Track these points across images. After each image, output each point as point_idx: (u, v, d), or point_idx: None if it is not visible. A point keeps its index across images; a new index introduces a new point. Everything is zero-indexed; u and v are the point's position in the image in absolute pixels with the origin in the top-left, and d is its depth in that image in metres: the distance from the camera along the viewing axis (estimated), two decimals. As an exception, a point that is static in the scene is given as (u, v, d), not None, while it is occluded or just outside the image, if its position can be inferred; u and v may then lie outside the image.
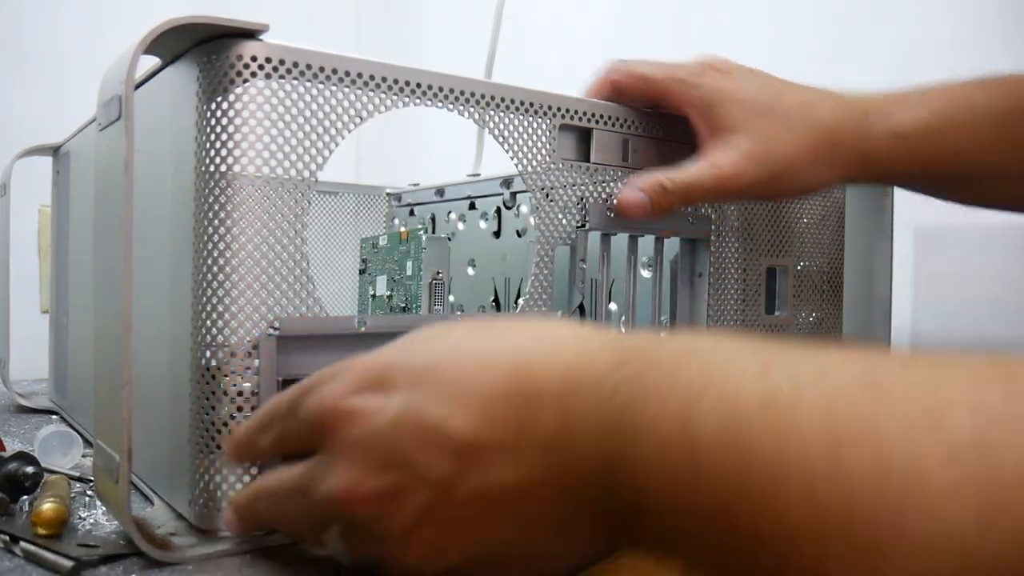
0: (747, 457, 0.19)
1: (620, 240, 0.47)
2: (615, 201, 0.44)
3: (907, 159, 0.45)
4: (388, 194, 0.77)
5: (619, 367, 0.23)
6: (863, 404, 0.18)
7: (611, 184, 0.45)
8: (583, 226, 0.44)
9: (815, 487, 0.17)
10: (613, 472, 0.22)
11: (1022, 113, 0.45)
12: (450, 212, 0.69)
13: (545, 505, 0.24)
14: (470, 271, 0.66)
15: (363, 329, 0.37)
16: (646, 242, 0.49)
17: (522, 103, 0.41)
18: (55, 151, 0.65)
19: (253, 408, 0.34)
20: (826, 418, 0.18)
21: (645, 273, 0.51)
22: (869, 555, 0.16)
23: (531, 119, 0.42)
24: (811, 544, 0.17)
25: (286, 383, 0.34)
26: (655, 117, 0.47)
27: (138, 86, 0.41)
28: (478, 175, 0.66)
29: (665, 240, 0.49)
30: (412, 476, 0.24)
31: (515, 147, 0.42)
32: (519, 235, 0.62)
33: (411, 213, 0.75)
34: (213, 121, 0.33)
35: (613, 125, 0.45)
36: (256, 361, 0.34)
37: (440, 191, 0.70)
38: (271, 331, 0.34)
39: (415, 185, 0.75)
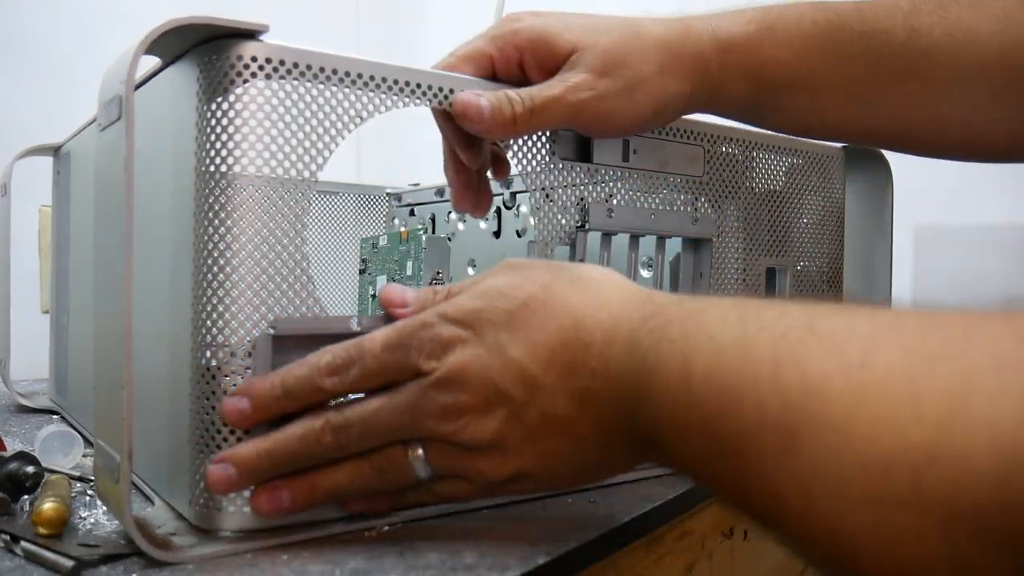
0: (722, 382, 0.26)
1: (620, 240, 0.47)
2: (451, 103, 0.39)
3: (733, 71, 0.44)
4: (388, 194, 0.77)
5: (646, 321, 0.30)
6: (799, 342, 0.25)
7: (611, 184, 0.45)
8: (583, 226, 0.44)
9: (762, 398, 0.24)
10: (637, 403, 0.30)
11: (842, 27, 0.45)
12: (450, 212, 0.69)
13: (590, 428, 0.32)
14: (470, 271, 0.66)
15: (359, 329, 0.37)
16: (647, 242, 0.49)
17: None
18: (55, 151, 0.65)
19: (253, 408, 0.34)
20: (772, 351, 0.25)
21: (645, 273, 0.51)
22: (786, 437, 0.23)
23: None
24: (756, 438, 0.24)
25: (285, 383, 0.34)
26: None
27: (138, 86, 0.41)
28: (478, 175, 0.66)
29: (667, 240, 0.49)
30: (499, 398, 0.32)
31: (515, 147, 0.42)
32: (519, 235, 0.62)
33: (411, 213, 0.75)
34: (213, 121, 0.33)
35: (613, 125, 0.45)
36: (254, 361, 0.34)
37: (440, 191, 0.70)
38: (268, 331, 0.34)
39: (415, 185, 0.75)
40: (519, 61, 0.42)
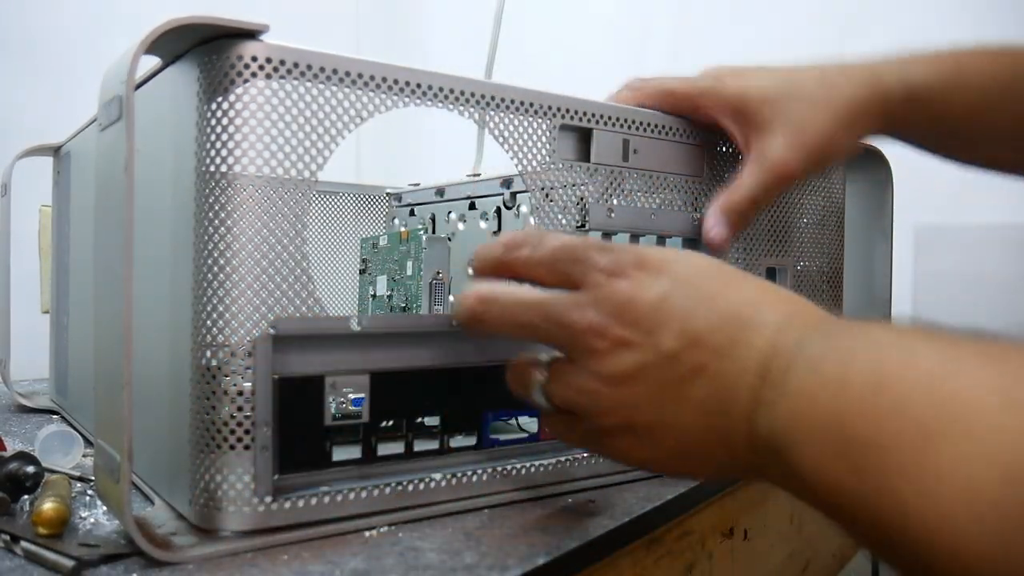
0: (877, 380, 0.25)
1: (620, 240, 0.47)
2: (705, 240, 0.47)
3: (922, 116, 0.48)
4: (388, 194, 0.77)
5: (821, 324, 0.30)
6: (955, 360, 0.25)
7: (611, 184, 0.45)
8: (583, 226, 0.44)
9: (905, 395, 0.24)
10: (778, 397, 0.28)
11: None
12: (450, 212, 0.69)
13: (716, 406, 0.31)
14: (470, 271, 0.66)
15: (359, 329, 0.37)
16: (646, 242, 0.49)
17: (522, 103, 0.41)
18: (56, 151, 0.65)
19: (253, 408, 0.34)
20: (929, 364, 0.25)
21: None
22: (920, 440, 0.23)
23: (531, 119, 0.42)
24: (891, 436, 0.24)
25: (283, 381, 0.35)
26: (656, 117, 0.47)
27: (139, 86, 0.41)
28: (478, 175, 0.66)
29: (667, 240, 0.49)
30: (648, 341, 0.32)
31: (515, 147, 0.42)
32: (519, 235, 0.62)
33: (411, 213, 0.75)
34: (213, 121, 0.33)
35: (613, 125, 0.45)
36: (255, 360, 0.34)
37: (440, 191, 0.70)
38: (269, 331, 0.34)
39: (415, 185, 0.75)
40: (708, 117, 0.47)
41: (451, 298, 0.67)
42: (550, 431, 0.37)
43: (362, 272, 0.68)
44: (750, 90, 0.46)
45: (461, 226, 0.67)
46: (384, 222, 0.77)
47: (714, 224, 0.46)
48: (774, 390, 0.29)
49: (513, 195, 0.62)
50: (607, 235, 0.46)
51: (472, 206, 0.66)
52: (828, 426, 0.26)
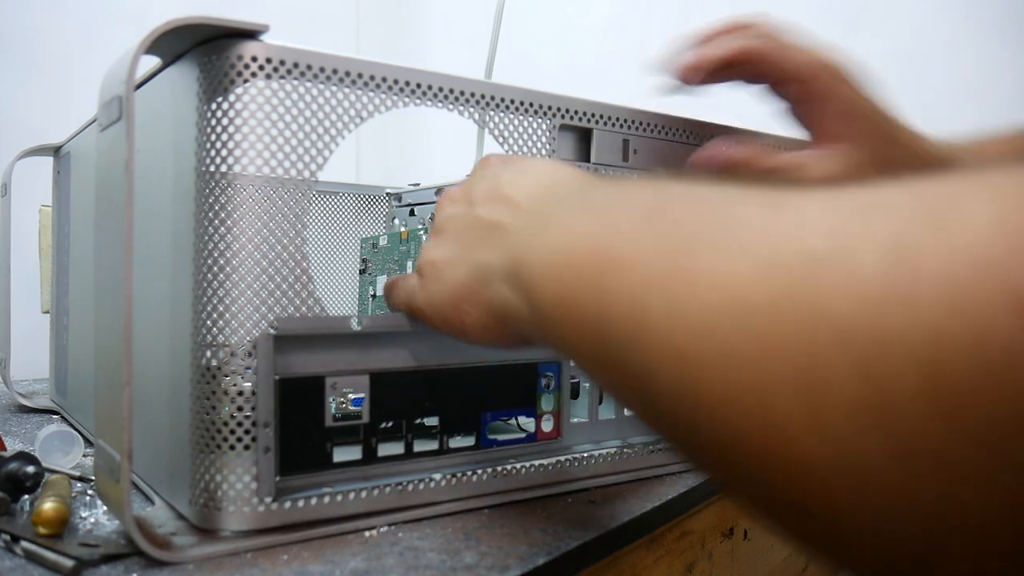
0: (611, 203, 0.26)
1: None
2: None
3: None
4: (388, 194, 0.77)
5: (577, 185, 0.32)
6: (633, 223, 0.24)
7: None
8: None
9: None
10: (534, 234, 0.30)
11: None
12: (450, 212, 0.69)
13: (496, 244, 0.32)
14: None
15: (359, 329, 0.37)
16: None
17: (522, 103, 0.41)
18: (56, 151, 0.65)
19: (253, 408, 0.34)
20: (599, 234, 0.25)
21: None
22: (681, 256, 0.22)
23: (531, 119, 0.42)
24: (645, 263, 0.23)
25: (284, 382, 0.35)
26: (656, 117, 0.47)
27: (139, 86, 0.41)
28: (478, 175, 0.66)
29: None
30: (466, 197, 0.36)
31: (515, 147, 0.42)
32: (519, 235, 0.62)
33: (411, 213, 0.75)
34: (213, 121, 0.33)
35: (613, 125, 0.45)
36: (256, 361, 0.34)
37: (440, 191, 0.70)
38: (269, 331, 0.34)
39: (415, 185, 0.75)
40: (810, 94, 0.46)
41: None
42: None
43: (362, 272, 0.68)
44: (858, 102, 0.46)
45: (461, 226, 0.67)
46: (384, 222, 0.77)
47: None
48: (532, 227, 0.30)
49: (513, 195, 0.62)
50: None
51: (472, 206, 0.66)
52: (566, 246, 0.26)
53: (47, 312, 0.66)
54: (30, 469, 0.38)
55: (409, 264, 0.60)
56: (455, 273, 0.34)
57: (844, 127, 0.45)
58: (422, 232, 0.60)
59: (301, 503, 0.35)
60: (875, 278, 0.16)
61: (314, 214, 0.75)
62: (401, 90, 0.37)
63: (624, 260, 0.23)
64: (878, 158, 0.45)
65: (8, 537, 0.34)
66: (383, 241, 0.64)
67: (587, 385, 0.47)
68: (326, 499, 0.35)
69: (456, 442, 0.40)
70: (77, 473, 0.43)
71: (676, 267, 0.21)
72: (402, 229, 0.62)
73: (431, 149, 1.06)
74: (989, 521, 0.15)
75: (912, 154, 0.46)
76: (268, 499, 0.34)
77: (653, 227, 0.23)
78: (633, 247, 0.23)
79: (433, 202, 0.71)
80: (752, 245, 0.19)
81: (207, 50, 0.34)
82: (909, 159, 0.46)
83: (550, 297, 0.27)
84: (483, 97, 0.40)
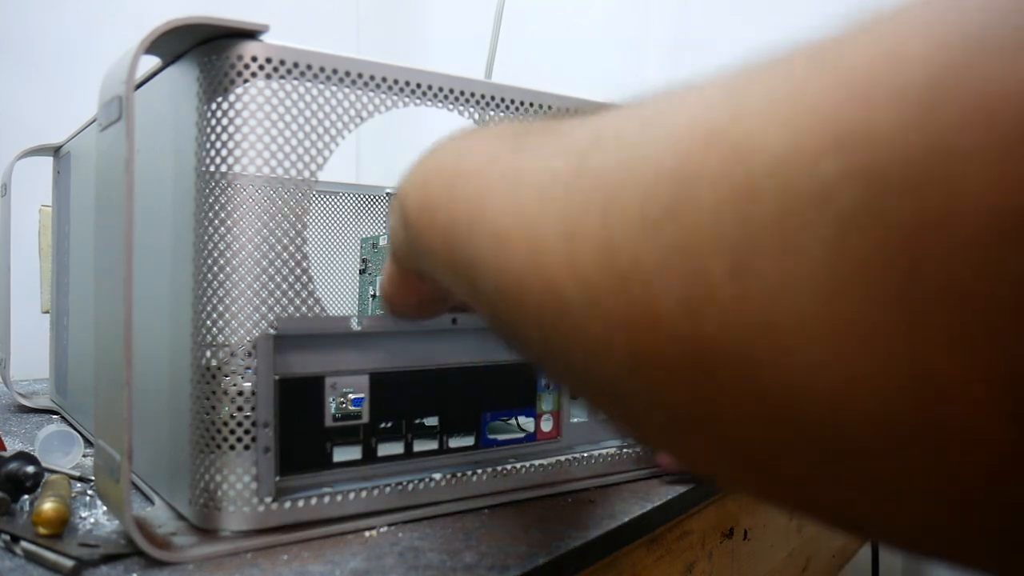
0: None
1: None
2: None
3: None
4: (388, 194, 0.77)
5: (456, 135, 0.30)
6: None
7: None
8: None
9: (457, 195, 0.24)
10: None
11: None
12: (450, 212, 0.69)
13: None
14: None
15: (359, 329, 0.37)
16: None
17: (520, 103, 0.41)
18: (56, 151, 0.65)
19: (253, 408, 0.34)
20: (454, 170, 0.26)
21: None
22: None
23: (528, 119, 0.42)
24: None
25: (283, 382, 0.35)
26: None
27: (139, 86, 0.41)
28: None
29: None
30: None
31: (515, 147, 0.42)
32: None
33: (411, 213, 0.74)
34: (213, 121, 0.33)
35: (613, 125, 0.45)
36: (256, 361, 0.34)
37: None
38: (269, 331, 0.34)
39: (415, 185, 0.75)
40: None
41: (451, 298, 0.67)
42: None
43: (362, 272, 0.68)
44: None
45: (461, 226, 0.67)
46: (384, 222, 0.77)
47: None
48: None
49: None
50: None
51: (472, 206, 0.66)
52: (429, 166, 0.28)
53: (47, 312, 0.67)
54: (30, 469, 0.38)
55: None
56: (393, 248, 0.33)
57: None
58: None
59: (301, 503, 0.35)
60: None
61: (314, 214, 0.75)
62: (401, 90, 0.37)
63: (472, 171, 0.25)
64: None
65: (8, 537, 0.34)
66: (383, 241, 0.64)
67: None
68: (326, 499, 0.35)
69: (456, 442, 0.41)
70: (77, 473, 0.43)
71: (512, 169, 0.22)
72: (402, 229, 0.62)
73: (431, 149, 1.06)
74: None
75: None
76: (268, 499, 0.34)
77: (498, 144, 0.25)
78: (480, 162, 0.25)
79: (433, 202, 0.71)
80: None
81: (207, 50, 0.34)
82: None
83: (414, 209, 0.28)
84: (482, 97, 0.40)
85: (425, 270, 0.29)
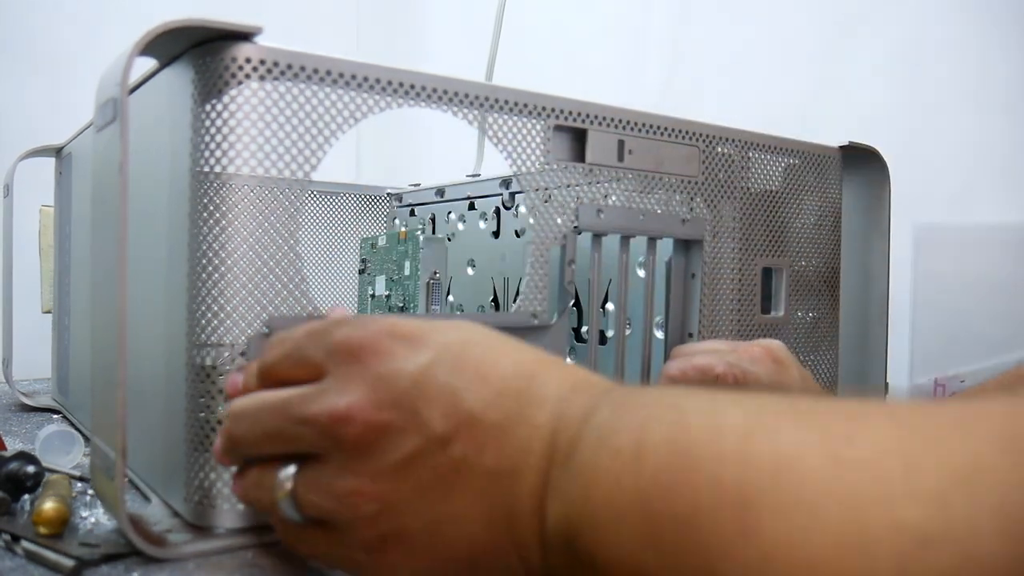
0: (680, 452, 0.22)
1: (611, 240, 0.47)
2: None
3: None
4: (388, 194, 0.78)
5: (609, 392, 0.26)
6: (776, 415, 0.22)
7: (606, 184, 0.45)
8: (577, 227, 0.44)
9: (722, 469, 0.21)
10: (569, 478, 0.24)
11: None
12: (450, 212, 0.69)
13: (498, 492, 0.25)
14: (469, 271, 0.66)
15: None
16: (637, 243, 0.49)
17: (516, 104, 0.41)
18: (57, 152, 0.65)
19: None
20: (744, 423, 0.22)
21: (641, 273, 0.51)
22: (742, 513, 0.20)
23: (525, 120, 0.42)
24: (707, 517, 0.20)
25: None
26: (651, 117, 0.47)
27: (135, 88, 0.41)
28: (478, 175, 0.67)
29: (659, 241, 0.49)
30: (414, 423, 0.26)
31: (509, 148, 0.42)
32: (517, 235, 0.62)
33: (412, 213, 0.75)
34: (208, 122, 0.34)
35: (608, 125, 0.45)
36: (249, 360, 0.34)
37: (440, 191, 0.70)
38: (263, 331, 0.34)
39: (415, 185, 0.75)
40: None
41: (451, 298, 0.67)
42: (297, 548, 0.29)
43: (362, 272, 0.68)
44: (784, 385, 0.46)
45: (461, 226, 0.68)
46: (385, 222, 0.78)
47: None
48: (564, 471, 0.24)
49: (512, 195, 0.63)
50: (597, 236, 0.46)
51: (472, 206, 0.66)
52: (629, 506, 0.22)
53: (48, 312, 0.67)
54: (30, 469, 0.38)
55: (407, 264, 0.60)
56: (456, 541, 0.26)
57: None
58: (419, 232, 0.60)
59: (296, 501, 0.35)
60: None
61: (315, 214, 0.75)
62: (395, 91, 0.38)
63: (679, 519, 0.21)
64: None
65: (8, 537, 0.34)
66: (382, 241, 0.64)
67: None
68: (321, 497, 0.35)
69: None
70: (77, 473, 0.43)
71: (740, 534, 0.20)
72: (400, 229, 0.62)
73: (431, 149, 1.06)
74: None
75: None
76: (263, 497, 0.34)
77: (698, 476, 0.21)
78: (686, 505, 0.21)
79: (434, 202, 0.71)
80: (821, 512, 0.19)
81: (202, 52, 0.34)
82: None
83: (611, 555, 0.23)
84: (476, 98, 0.40)
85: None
